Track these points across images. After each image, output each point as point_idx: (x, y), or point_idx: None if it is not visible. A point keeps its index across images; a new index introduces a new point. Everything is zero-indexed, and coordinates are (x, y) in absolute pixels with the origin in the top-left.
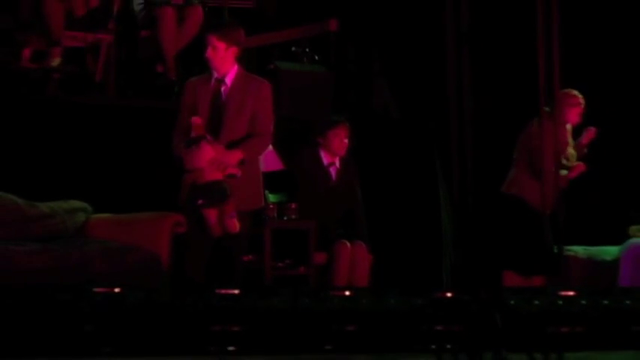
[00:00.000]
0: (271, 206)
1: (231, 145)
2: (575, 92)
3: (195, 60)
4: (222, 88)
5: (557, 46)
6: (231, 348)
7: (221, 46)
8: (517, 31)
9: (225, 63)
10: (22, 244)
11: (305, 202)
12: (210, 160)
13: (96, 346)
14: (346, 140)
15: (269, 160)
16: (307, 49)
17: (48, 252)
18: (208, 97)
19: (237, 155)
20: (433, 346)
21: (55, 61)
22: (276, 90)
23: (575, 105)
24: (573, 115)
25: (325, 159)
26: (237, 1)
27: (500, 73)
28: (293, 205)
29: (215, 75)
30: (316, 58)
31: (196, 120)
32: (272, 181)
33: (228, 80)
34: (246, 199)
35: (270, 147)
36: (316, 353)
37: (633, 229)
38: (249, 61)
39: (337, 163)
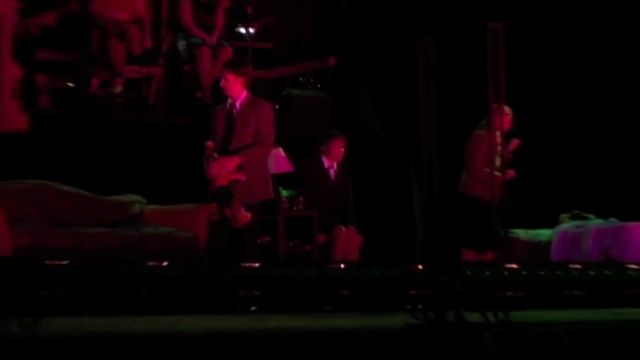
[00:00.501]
0: (284, 199)
1: (239, 151)
2: (505, 106)
3: None
4: (234, 110)
5: (503, 75)
6: (253, 308)
7: (230, 77)
8: (472, 65)
9: (235, 90)
10: (92, 229)
11: (310, 196)
12: (216, 173)
13: (149, 306)
14: (342, 149)
15: (282, 163)
16: (311, 79)
17: (112, 234)
18: (224, 116)
19: (234, 161)
20: (408, 306)
21: (118, 89)
22: (287, 110)
23: (504, 115)
24: (505, 123)
25: (326, 163)
26: (258, 43)
27: (458, 98)
28: (300, 199)
29: (229, 100)
30: (318, 86)
31: (209, 144)
32: (284, 180)
33: (238, 103)
34: (256, 194)
35: (283, 153)
36: (319, 312)
37: (562, 216)
38: (268, 88)
39: (335, 167)
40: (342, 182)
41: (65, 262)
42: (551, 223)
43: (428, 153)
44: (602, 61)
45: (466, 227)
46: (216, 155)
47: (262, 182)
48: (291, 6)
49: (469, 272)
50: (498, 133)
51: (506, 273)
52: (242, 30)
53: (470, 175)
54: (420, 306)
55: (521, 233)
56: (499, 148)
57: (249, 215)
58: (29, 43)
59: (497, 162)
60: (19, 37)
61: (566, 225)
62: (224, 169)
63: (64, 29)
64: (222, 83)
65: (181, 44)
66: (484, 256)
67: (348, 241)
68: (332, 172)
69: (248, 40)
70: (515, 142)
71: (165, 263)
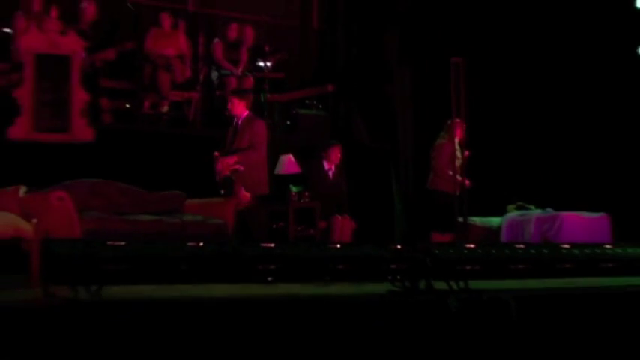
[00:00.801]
0: (293, 194)
1: (238, 152)
2: (458, 120)
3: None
4: (238, 125)
5: (464, 98)
6: (269, 278)
7: (235, 101)
8: (439, 91)
9: (238, 110)
10: (144, 217)
11: (313, 192)
12: (220, 167)
13: (188, 277)
14: (339, 155)
15: (291, 166)
16: (315, 102)
17: (159, 222)
18: (232, 130)
19: (232, 158)
20: (389, 277)
21: (164, 109)
22: (296, 125)
23: (459, 126)
24: (459, 133)
25: (326, 166)
26: (273, 73)
27: (428, 117)
28: (306, 193)
29: (235, 119)
30: (320, 106)
31: (216, 153)
32: (294, 179)
33: (240, 120)
34: (253, 189)
35: (292, 158)
36: (320, 281)
37: (510, 207)
38: (281, 108)
39: (333, 169)
40: (338, 181)
41: (123, 243)
42: (501, 212)
43: (404, 159)
44: (539, 85)
45: (433, 215)
46: (217, 155)
47: (258, 180)
48: (299, 45)
49: (436, 251)
50: (457, 141)
51: (465, 251)
52: (261, 63)
53: (435, 175)
54: (398, 276)
55: (477, 220)
56: (457, 153)
57: (248, 195)
58: (95, 74)
59: (457, 163)
60: (87, 69)
61: (513, 214)
62: (225, 163)
63: (122, 63)
64: (229, 105)
65: (214, 74)
66: (446, 237)
67: (343, 227)
68: (330, 173)
69: (265, 71)
70: (466, 153)
71: (200, 243)
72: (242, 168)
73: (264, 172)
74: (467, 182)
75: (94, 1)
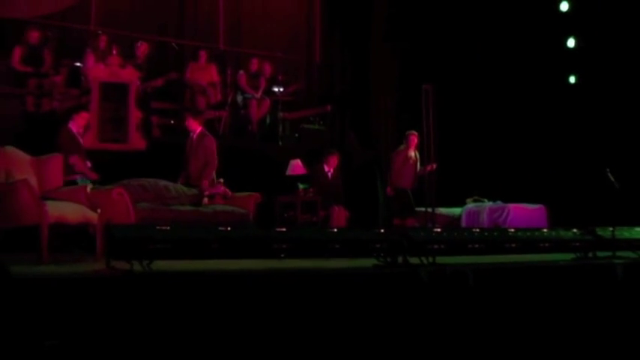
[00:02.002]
0: (300, 190)
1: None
2: (414, 132)
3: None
4: (192, 139)
5: (432, 117)
6: (282, 255)
7: (190, 119)
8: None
9: (192, 127)
10: (184, 207)
11: (316, 188)
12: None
13: (219, 254)
14: (336, 160)
15: (299, 168)
16: (317, 119)
17: (196, 211)
18: (189, 141)
19: (220, 188)
20: (374, 254)
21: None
22: (302, 137)
23: (414, 136)
24: (413, 143)
25: (325, 169)
26: (285, 97)
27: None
28: (311, 190)
29: (191, 133)
30: (321, 122)
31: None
32: (301, 178)
33: (195, 135)
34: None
35: (300, 162)
36: (321, 257)
37: (468, 200)
38: (291, 124)
39: (331, 171)
40: (335, 180)
41: (168, 228)
42: (461, 204)
43: (386, 163)
44: (491, 106)
45: (394, 205)
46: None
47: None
48: (304, 75)
49: (411, 233)
50: (412, 148)
51: (433, 234)
52: (276, 89)
53: (393, 174)
54: (382, 254)
55: (443, 210)
56: (413, 157)
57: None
58: (147, 97)
59: (418, 166)
60: (140, 94)
61: (470, 205)
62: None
63: (168, 89)
64: (186, 122)
65: (239, 98)
66: (406, 222)
67: (339, 215)
68: (329, 174)
69: (279, 95)
70: (432, 165)
71: (228, 228)
72: (229, 192)
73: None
74: (432, 166)
75: (147, 41)
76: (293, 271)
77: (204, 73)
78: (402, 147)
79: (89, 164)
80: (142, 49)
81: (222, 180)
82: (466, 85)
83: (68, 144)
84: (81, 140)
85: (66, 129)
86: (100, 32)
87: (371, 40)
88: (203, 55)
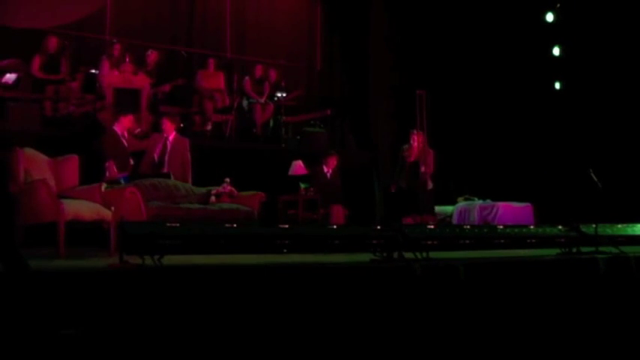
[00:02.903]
0: (302, 189)
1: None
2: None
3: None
4: (167, 141)
5: (425, 119)
6: (285, 250)
7: (167, 122)
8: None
9: (168, 129)
10: (194, 205)
11: (317, 188)
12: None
13: (225, 249)
14: (335, 161)
15: (300, 168)
16: (318, 122)
17: (205, 209)
18: (162, 143)
19: (227, 188)
20: (372, 249)
21: (209, 127)
22: (304, 139)
23: (416, 140)
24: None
25: (325, 169)
26: (288, 102)
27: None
28: (311, 189)
29: (164, 134)
30: (321, 126)
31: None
32: (303, 178)
33: (170, 137)
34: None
35: (302, 163)
36: (321, 252)
37: (459, 199)
38: (294, 127)
39: (330, 171)
40: (334, 180)
41: (177, 224)
42: (453, 202)
43: (382, 163)
44: (480, 110)
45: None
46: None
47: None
48: (306, 81)
49: (406, 230)
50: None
51: (427, 230)
52: (279, 94)
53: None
54: (378, 249)
55: (436, 208)
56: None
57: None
58: (156, 102)
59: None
60: (151, 98)
61: (462, 203)
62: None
63: (177, 94)
64: (163, 126)
65: (244, 102)
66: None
67: (338, 213)
68: (328, 174)
69: (282, 100)
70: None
71: (234, 225)
72: (235, 191)
73: None
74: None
75: (158, 50)
76: (295, 266)
77: (212, 80)
78: (406, 146)
79: (132, 163)
80: (152, 56)
81: (228, 179)
82: (458, 91)
83: (111, 146)
84: (125, 142)
85: (110, 131)
86: (114, 41)
87: (368, 48)
88: (212, 63)
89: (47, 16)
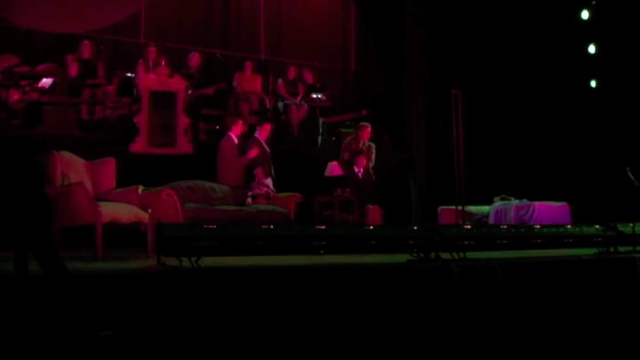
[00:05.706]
0: (338, 190)
1: None
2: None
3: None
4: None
5: (461, 120)
6: (321, 251)
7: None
8: (444, 116)
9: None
10: (230, 207)
11: (351, 189)
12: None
13: (263, 250)
14: (364, 161)
15: (337, 170)
16: (353, 123)
17: (241, 210)
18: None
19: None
20: (408, 250)
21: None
22: (339, 141)
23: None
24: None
25: (355, 169)
26: (323, 103)
27: (436, 134)
28: (347, 190)
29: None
30: (357, 126)
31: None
32: (339, 179)
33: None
34: None
35: (337, 164)
36: (358, 253)
37: (496, 198)
38: (329, 128)
39: (361, 171)
40: (366, 179)
41: (214, 226)
42: (490, 202)
43: (418, 163)
44: (518, 110)
45: None
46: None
47: None
48: (341, 82)
49: (442, 230)
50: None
51: (464, 231)
52: (314, 96)
53: None
54: (415, 249)
55: (472, 209)
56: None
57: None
58: (194, 105)
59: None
60: (188, 101)
61: (498, 203)
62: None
63: (215, 97)
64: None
65: (280, 104)
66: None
67: (374, 213)
68: (359, 174)
69: (317, 101)
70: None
71: (271, 226)
72: (271, 192)
73: None
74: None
75: (198, 53)
76: (332, 267)
77: (249, 83)
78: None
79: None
80: (195, 59)
81: (270, 180)
82: (494, 90)
83: (259, 154)
84: (267, 148)
85: (254, 139)
86: (150, 44)
87: (403, 48)
88: (249, 65)
89: (83, 21)
